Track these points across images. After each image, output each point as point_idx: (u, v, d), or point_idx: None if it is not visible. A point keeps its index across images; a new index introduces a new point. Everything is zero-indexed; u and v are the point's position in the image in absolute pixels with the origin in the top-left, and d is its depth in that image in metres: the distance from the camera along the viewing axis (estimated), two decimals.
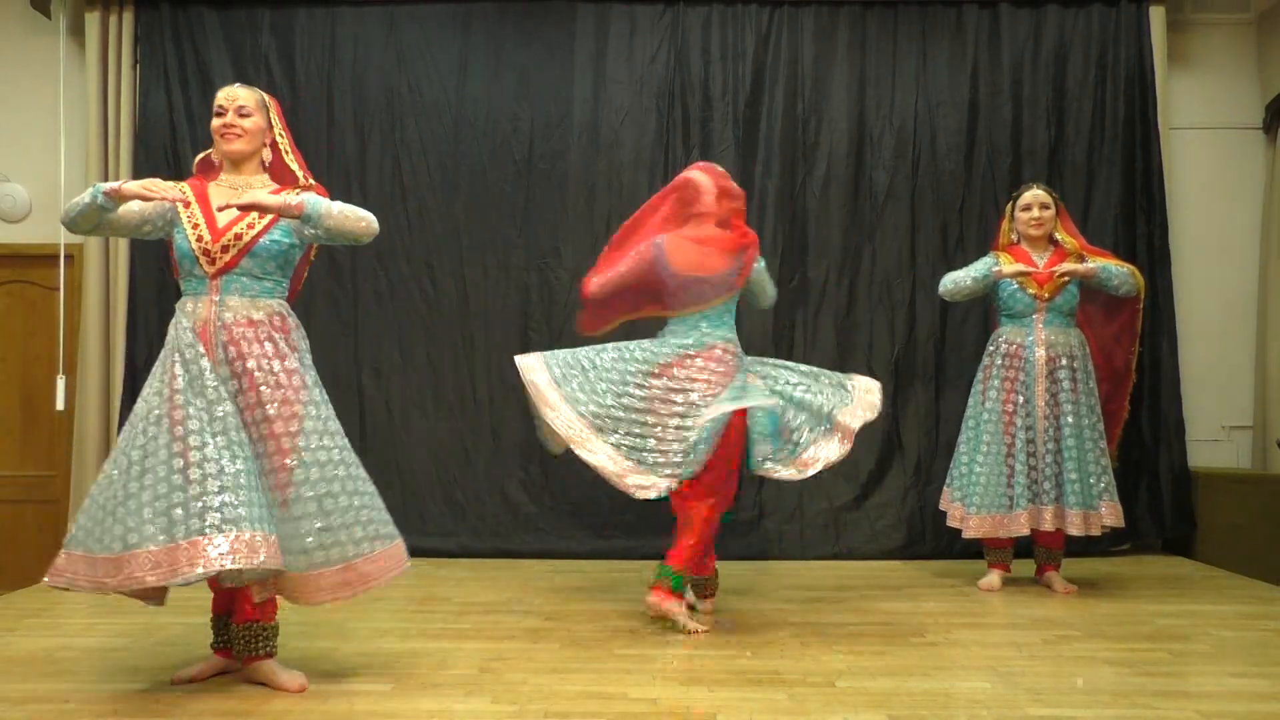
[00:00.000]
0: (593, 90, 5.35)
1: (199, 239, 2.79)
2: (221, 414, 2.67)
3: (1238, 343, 5.51)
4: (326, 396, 2.89)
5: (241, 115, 2.88)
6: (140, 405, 2.74)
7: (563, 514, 5.14)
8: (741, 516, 5.16)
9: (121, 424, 5.14)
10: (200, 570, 2.51)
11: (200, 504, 2.54)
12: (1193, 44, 5.64)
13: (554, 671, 2.96)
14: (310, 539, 2.72)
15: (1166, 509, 5.16)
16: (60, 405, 5.31)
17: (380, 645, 3.27)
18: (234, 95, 2.90)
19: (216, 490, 2.55)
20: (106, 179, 5.32)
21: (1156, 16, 5.36)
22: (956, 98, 5.35)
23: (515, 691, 2.75)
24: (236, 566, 2.52)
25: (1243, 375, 5.51)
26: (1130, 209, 5.29)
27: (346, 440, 2.87)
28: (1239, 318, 5.53)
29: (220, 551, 2.50)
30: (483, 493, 5.21)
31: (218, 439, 2.63)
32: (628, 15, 5.37)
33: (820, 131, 5.34)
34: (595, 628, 3.54)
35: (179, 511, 2.54)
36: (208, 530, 2.51)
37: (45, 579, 2.69)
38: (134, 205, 2.79)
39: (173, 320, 2.82)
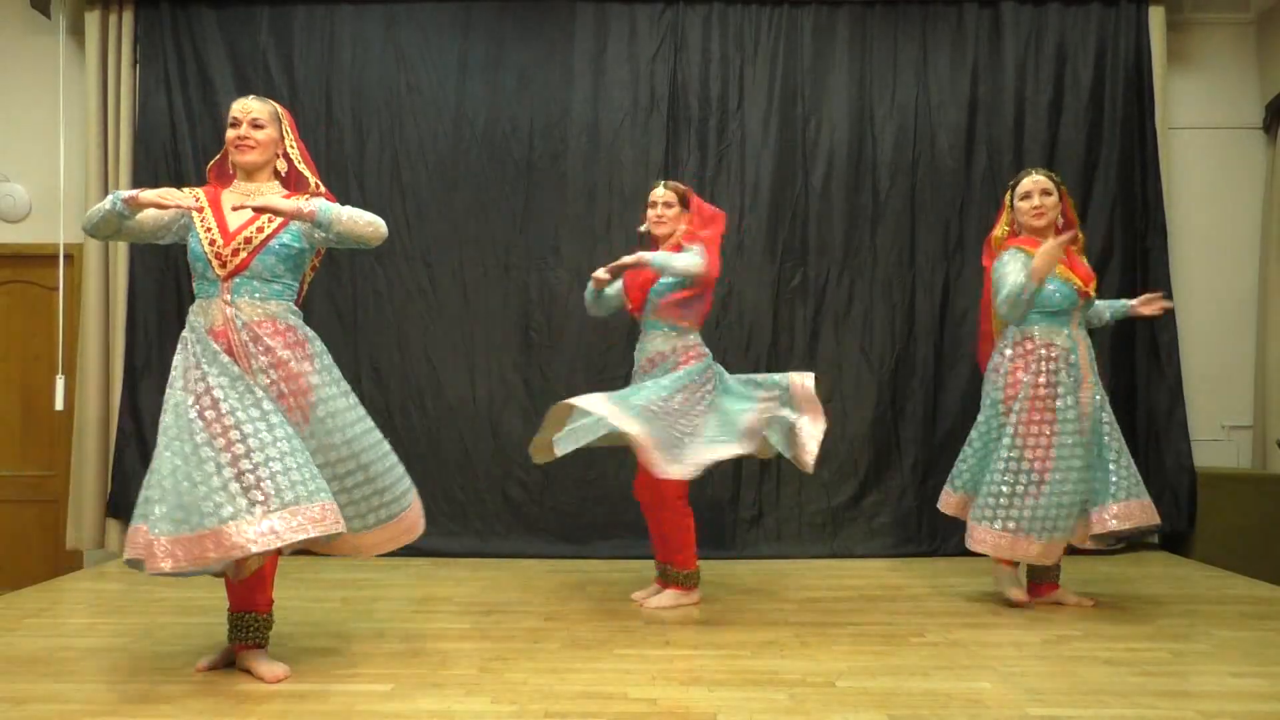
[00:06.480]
0: (592, 90, 5.35)
1: (211, 241, 2.86)
2: (259, 394, 2.75)
3: (1238, 343, 5.52)
4: (347, 387, 2.99)
5: (255, 127, 2.95)
6: (176, 398, 2.76)
7: (563, 514, 5.14)
8: (741, 516, 5.16)
9: (121, 423, 5.17)
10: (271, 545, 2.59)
11: (255, 478, 2.61)
12: (1192, 44, 5.64)
13: (554, 671, 2.96)
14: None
15: (1166, 509, 5.15)
16: (59, 405, 5.31)
17: (380, 645, 3.27)
18: (248, 108, 2.97)
19: (278, 468, 2.64)
20: (106, 179, 5.34)
21: (1156, 16, 5.36)
22: (957, 97, 5.35)
23: (515, 691, 2.75)
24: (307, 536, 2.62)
25: (1243, 375, 5.52)
26: (1130, 209, 5.29)
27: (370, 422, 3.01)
28: (1239, 318, 5.53)
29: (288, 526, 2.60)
30: (483, 493, 5.21)
31: (267, 418, 2.72)
32: (627, 15, 5.37)
33: (820, 131, 5.34)
34: (595, 628, 3.54)
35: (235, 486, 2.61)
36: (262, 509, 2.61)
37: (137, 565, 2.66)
38: (150, 212, 2.87)
39: (185, 326, 2.87)
